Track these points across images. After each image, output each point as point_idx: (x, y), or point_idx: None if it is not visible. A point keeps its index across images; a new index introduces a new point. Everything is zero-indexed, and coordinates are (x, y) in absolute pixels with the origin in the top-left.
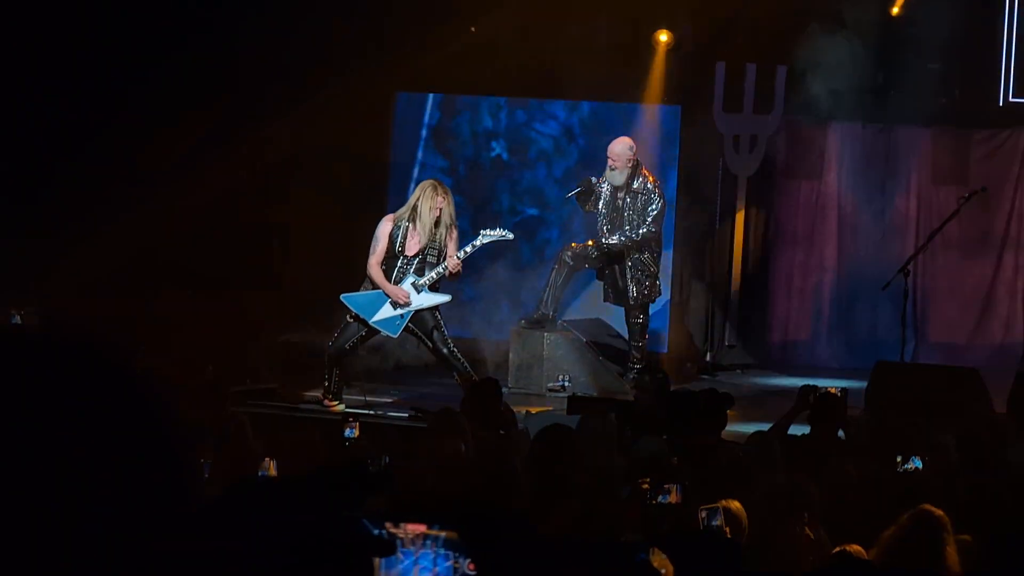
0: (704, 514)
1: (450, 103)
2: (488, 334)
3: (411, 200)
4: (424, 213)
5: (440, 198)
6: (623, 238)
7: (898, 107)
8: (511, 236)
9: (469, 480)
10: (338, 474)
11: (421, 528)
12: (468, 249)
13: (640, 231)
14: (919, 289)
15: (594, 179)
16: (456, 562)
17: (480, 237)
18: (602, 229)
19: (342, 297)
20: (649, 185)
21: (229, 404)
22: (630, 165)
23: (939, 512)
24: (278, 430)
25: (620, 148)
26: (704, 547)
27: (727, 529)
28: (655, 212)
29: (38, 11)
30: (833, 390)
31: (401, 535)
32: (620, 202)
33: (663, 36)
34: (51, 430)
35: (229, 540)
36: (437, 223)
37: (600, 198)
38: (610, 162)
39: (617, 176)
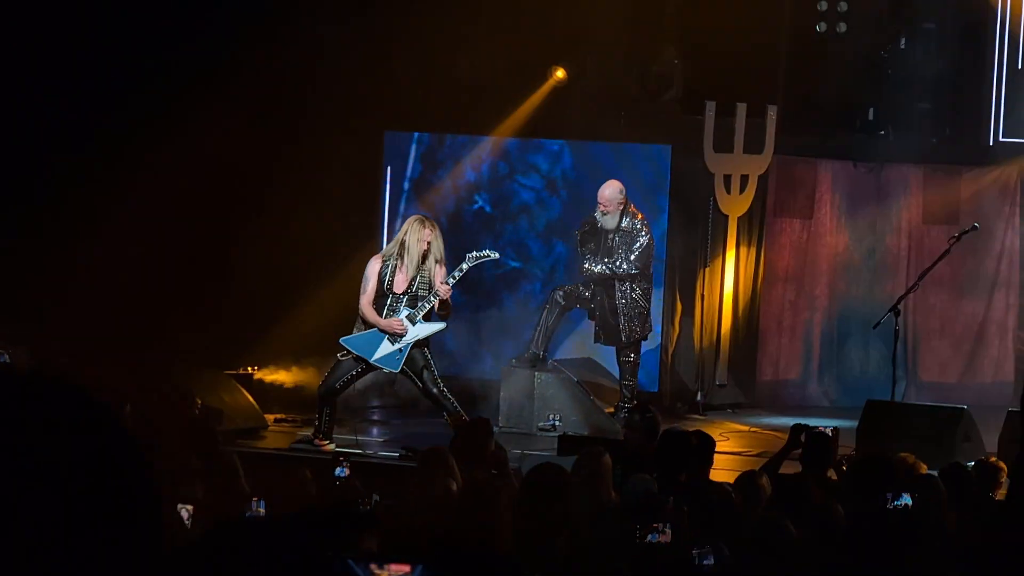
0: (695, 553)
1: (431, 156)
2: (477, 373)
3: (398, 236)
4: (412, 246)
5: (427, 231)
6: (606, 269)
7: (889, 146)
8: (496, 255)
9: (457, 520)
10: (328, 514)
11: (405, 568)
12: (456, 275)
13: (623, 266)
14: (910, 328)
15: (597, 216)
16: None
17: (466, 260)
18: (592, 262)
19: (341, 340)
20: (637, 223)
21: (219, 443)
22: (621, 208)
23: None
24: (268, 469)
25: (611, 192)
26: None
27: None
28: (640, 248)
29: None
30: (824, 429)
31: (385, 574)
32: (611, 243)
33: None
34: (32, 468)
35: None
36: (425, 257)
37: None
38: (601, 207)
39: (609, 220)
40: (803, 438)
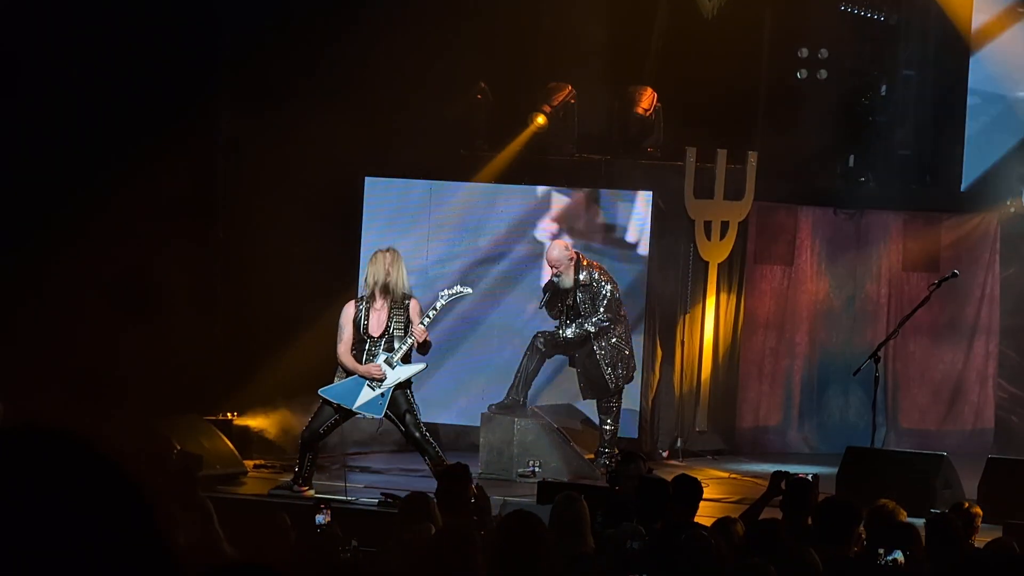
0: None
1: (411, 201)
2: (459, 419)
3: (363, 279)
4: (379, 277)
5: (385, 257)
6: (578, 329)
7: (869, 192)
8: (469, 291)
9: (432, 567)
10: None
11: None
12: (431, 314)
13: (593, 320)
14: (890, 375)
15: (554, 279)
16: None
17: (439, 299)
18: (564, 325)
19: (320, 391)
20: (595, 274)
21: (197, 489)
22: (572, 263)
23: None
24: (247, 515)
25: (558, 253)
26: None
27: None
28: (605, 300)
29: None
30: (804, 476)
31: None
32: (575, 300)
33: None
34: (21, 520)
35: None
36: (388, 287)
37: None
38: (553, 270)
39: (565, 280)
40: (783, 485)
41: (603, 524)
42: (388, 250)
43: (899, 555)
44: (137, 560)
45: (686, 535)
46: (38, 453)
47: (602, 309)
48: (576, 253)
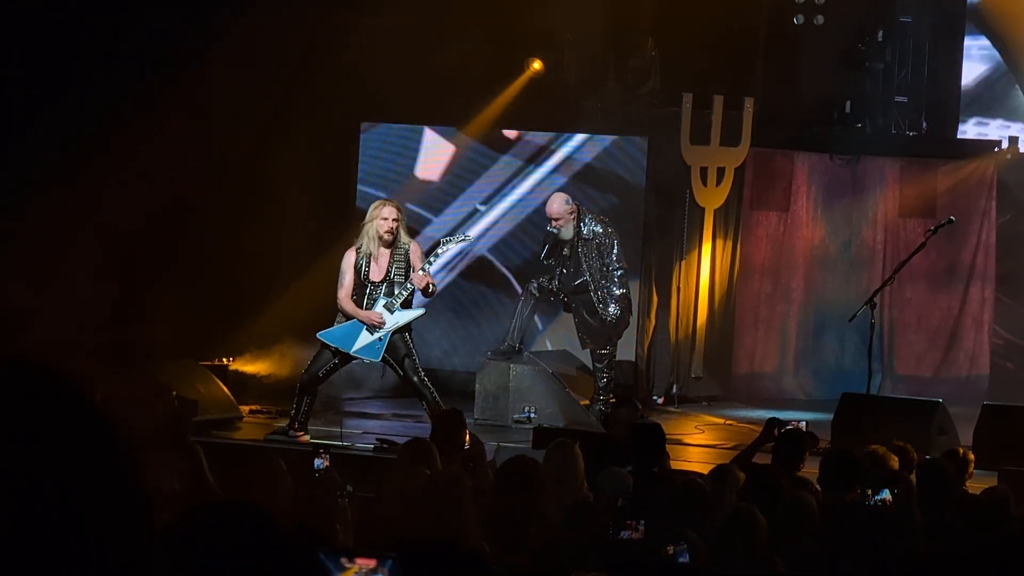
0: (671, 550)
1: (407, 147)
2: (457, 366)
3: (363, 224)
4: (379, 228)
5: (388, 209)
6: (606, 294)
7: (866, 139)
8: (471, 238)
9: (424, 512)
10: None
11: (372, 563)
12: (432, 260)
13: (617, 276)
14: (886, 321)
15: (551, 229)
16: None
17: (440, 245)
18: (560, 275)
19: (318, 335)
20: (598, 228)
21: (187, 435)
22: (573, 217)
23: None
24: (242, 460)
25: (558, 206)
26: None
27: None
28: (617, 253)
29: None
30: (799, 424)
31: (355, 568)
32: (570, 250)
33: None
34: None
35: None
36: (392, 240)
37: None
38: (553, 223)
39: (565, 232)
40: (777, 432)
41: (595, 470)
42: (390, 202)
43: (886, 494)
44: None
45: (682, 483)
46: (15, 386)
47: (617, 266)
48: (577, 206)
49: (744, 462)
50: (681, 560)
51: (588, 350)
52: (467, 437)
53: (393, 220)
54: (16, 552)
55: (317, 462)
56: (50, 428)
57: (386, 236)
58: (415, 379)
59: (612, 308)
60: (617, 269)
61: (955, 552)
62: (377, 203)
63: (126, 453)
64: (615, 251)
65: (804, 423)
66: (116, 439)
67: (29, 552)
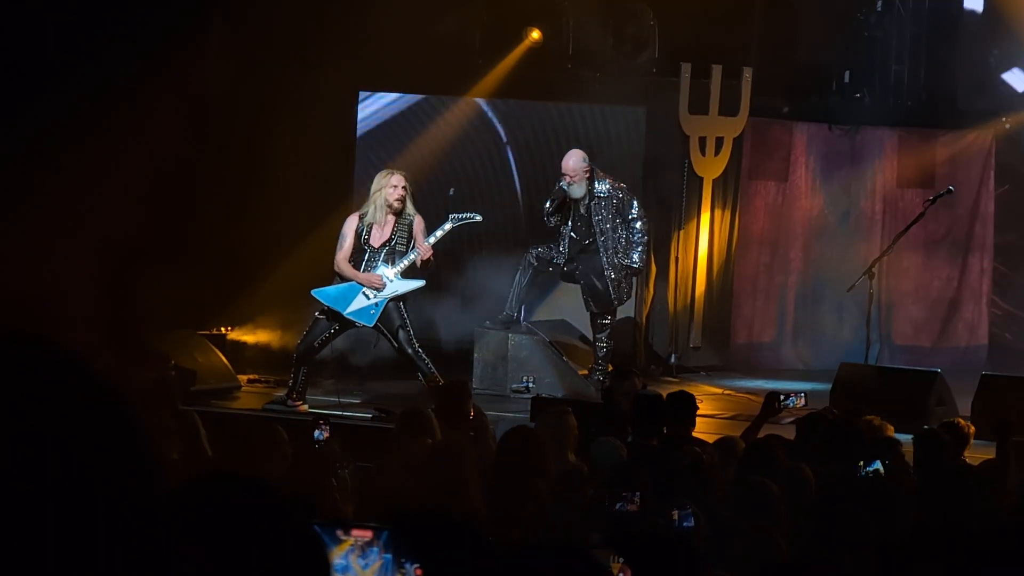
0: (676, 515)
1: (405, 114)
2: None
3: (371, 192)
4: (387, 196)
5: (397, 176)
6: (633, 262)
7: (864, 109)
8: (479, 218)
9: (427, 482)
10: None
11: (367, 535)
12: (439, 234)
13: (638, 226)
14: (884, 291)
15: (562, 184)
16: (402, 569)
17: (449, 220)
18: (568, 237)
19: (313, 292)
20: (611, 187)
21: (181, 402)
22: (587, 175)
23: None
24: (242, 429)
25: (575, 162)
26: (664, 551)
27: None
28: (638, 207)
29: None
30: (798, 396)
31: (350, 540)
32: (584, 210)
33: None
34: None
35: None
36: (401, 207)
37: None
38: (567, 178)
39: (576, 189)
40: (777, 405)
41: (590, 439)
42: (398, 172)
43: (878, 465)
44: (120, 468)
45: (683, 454)
46: (16, 359)
47: (638, 224)
48: (592, 166)
49: (749, 438)
50: (686, 524)
51: (589, 316)
52: (471, 407)
53: (403, 188)
54: (24, 523)
55: (317, 433)
56: (54, 398)
57: (396, 204)
58: (410, 351)
59: (636, 255)
60: (637, 220)
61: (950, 523)
62: (384, 172)
63: (133, 422)
64: (635, 205)
65: (803, 394)
66: (122, 408)
67: (38, 524)
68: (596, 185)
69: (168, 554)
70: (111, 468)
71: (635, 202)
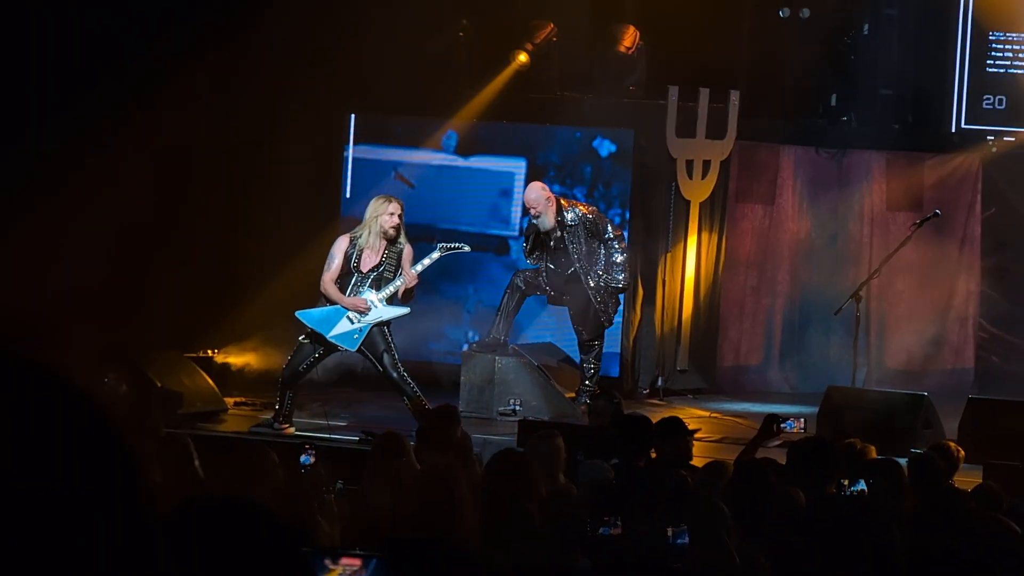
0: (671, 532)
1: (392, 137)
2: (440, 357)
3: (366, 217)
4: (383, 223)
5: (394, 205)
6: (618, 282)
7: (851, 132)
8: (467, 248)
9: (417, 507)
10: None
11: (356, 563)
12: (426, 262)
13: (616, 245)
14: (872, 314)
15: (533, 221)
16: None
17: (437, 250)
18: (548, 270)
19: (297, 314)
20: (580, 213)
21: (164, 424)
22: (551, 205)
23: None
24: (231, 453)
25: (535, 196)
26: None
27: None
28: (611, 229)
29: None
30: (799, 422)
31: (338, 569)
32: (556, 241)
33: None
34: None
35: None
36: (395, 235)
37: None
38: (532, 212)
39: (544, 221)
40: (776, 428)
41: (579, 462)
42: (395, 199)
43: (862, 485)
44: (108, 491)
45: (669, 476)
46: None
47: (615, 243)
48: (553, 195)
49: (746, 460)
50: (680, 542)
51: (575, 342)
52: (459, 432)
53: (399, 216)
54: (19, 547)
55: (304, 458)
56: (47, 421)
57: (391, 232)
58: (394, 375)
59: (620, 275)
60: (615, 240)
61: (940, 546)
62: (381, 199)
63: (125, 445)
64: (609, 228)
65: (803, 419)
66: (114, 431)
67: (32, 547)
68: (565, 215)
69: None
70: (99, 491)
71: (609, 226)
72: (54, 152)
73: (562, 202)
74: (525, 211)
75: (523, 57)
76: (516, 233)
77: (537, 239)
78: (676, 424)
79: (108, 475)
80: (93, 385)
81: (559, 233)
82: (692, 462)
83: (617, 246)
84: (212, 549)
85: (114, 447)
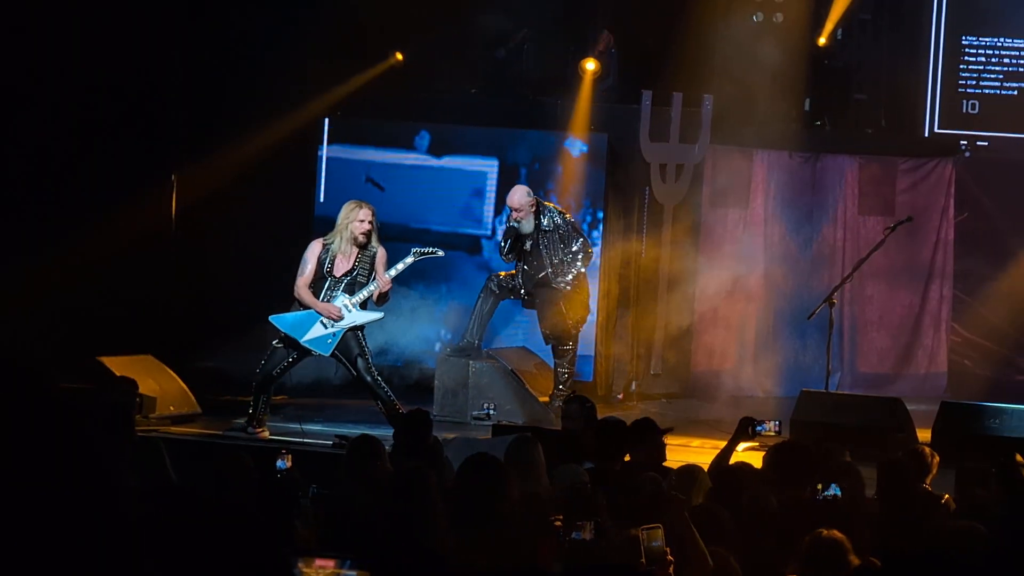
0: (644, 535)
1: (366, 141)
2: (412, 355)
3: (338, 223)
4: (354, 229)
5: (364, 211)
6: (562, 283)
7: (825, 137)
8: (441, 253)
9: (389, 509)
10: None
11: (330, 565)
12: (399, 267)
13: (572, 271)
14: (846, 319)
15: (512, 223)
16: None
17: (411, 255)
18: (522, 271)
19: (271, 318)
20: (558, 219)
21: (135, 427)
22: (533, 209)
23: (838, 536)
24: (204, 456)
25: (519, 197)
26: None
27: (667, 550)
28: (581, 254)
29: None
30: (772, 432)
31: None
32: (532, 245)
33: (590, 64)
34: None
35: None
36: (366, 241)
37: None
38: (514, 214)
39: (526, 225)
40: (751, 431)
41: (554, 466)
42: (367, 205)
43: (836, 490)
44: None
45: (639, 480)
46: None
47: (579, 261)
48: (537, 199)
49: (721, 463)
50: (655, 545)
51: (550, 346)
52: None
53: (369, 222)
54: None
55: (279, 463)
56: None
57: (361, 238)
58: (368, 379)
59: (567, 277)
60: (579, 252)
61: (912, 550)
62: (352, 204)
63: (94, 446)
64: (579, 239)
65: (778, 422)
66: (89, 434)
67: (12, 547)
68: (543, 218)
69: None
70: (74, 492)
71: (580, 239)
72: (14, 154)
73: (542, 206)
74: (499, 209)
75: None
76: (488, 233)
77: (515, 241)
78: (649, 425)
79: (86, 477)
80: (70, 389)
81: (536, 236)
82: (666, 464)
83: (580, 259)
84: (194, 549)
85: (91, 450)
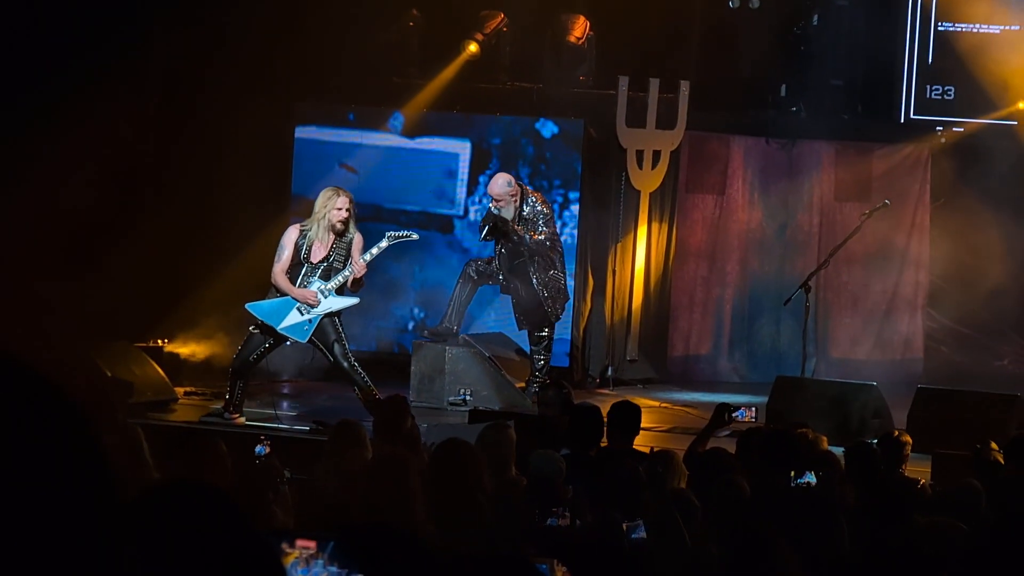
0: (626, 526)
1: (342, 126)
2: (387, 335)
3: (315, 209)
4: (331, 217)
5: (342, 198)
6: (523, 247)
7: (801, 122)
8: (416, 236)
9: (369, 494)
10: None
11: (312, 546)
12: (374, 251)
13: (536, 236)
14: (821, 304)
15: (493, 210)
16: None
17: (385, 239)
18: (500, 255)
19: (247, 306)
20: (538, 206)
21: (119, 416)
22: (515, 198)
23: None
24: (180, 442)
25: (500, 187)
26: (599, 562)
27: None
28: (545, 218)
29: None
30: (749, 419)
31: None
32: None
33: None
34: None
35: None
36: (344, 229)
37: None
38: (494, 203)
39: (506, 212)
40: (727, 417)
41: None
42: (344, 191)
43: (811, 478)
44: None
45: (616, 467)
46: None
47: (540, 223)
48: (520, 187)
49: (696, 449)
50: (635, 536)
51: (525, 331)
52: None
53: (347, 210)
54: None
55: (259, 448)
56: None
57: (338, 226)
58: (345, 365)
59: (556, 302)
60: (543, 230)
61: (884, 536)
62: (330, 192)
63: (92, 436)
64: (544, 220)
65: (754, 408)
66: (83, 422)
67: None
68: (525, 206)
69: (125, 565)
70: (68, 481)
71: (553, 223)
72: (8, 140)
73: (525, 194)
74: (472, 190)
75: (473, 47)
76: (460, 213)
77: (494, 227)
78: (628, 409)
79: (76, 465)
80: (62, 377)
81: (516, 223)
82: (641, 449)
83: (559, 252)
84: (177, 534)
85: (82, 438)
